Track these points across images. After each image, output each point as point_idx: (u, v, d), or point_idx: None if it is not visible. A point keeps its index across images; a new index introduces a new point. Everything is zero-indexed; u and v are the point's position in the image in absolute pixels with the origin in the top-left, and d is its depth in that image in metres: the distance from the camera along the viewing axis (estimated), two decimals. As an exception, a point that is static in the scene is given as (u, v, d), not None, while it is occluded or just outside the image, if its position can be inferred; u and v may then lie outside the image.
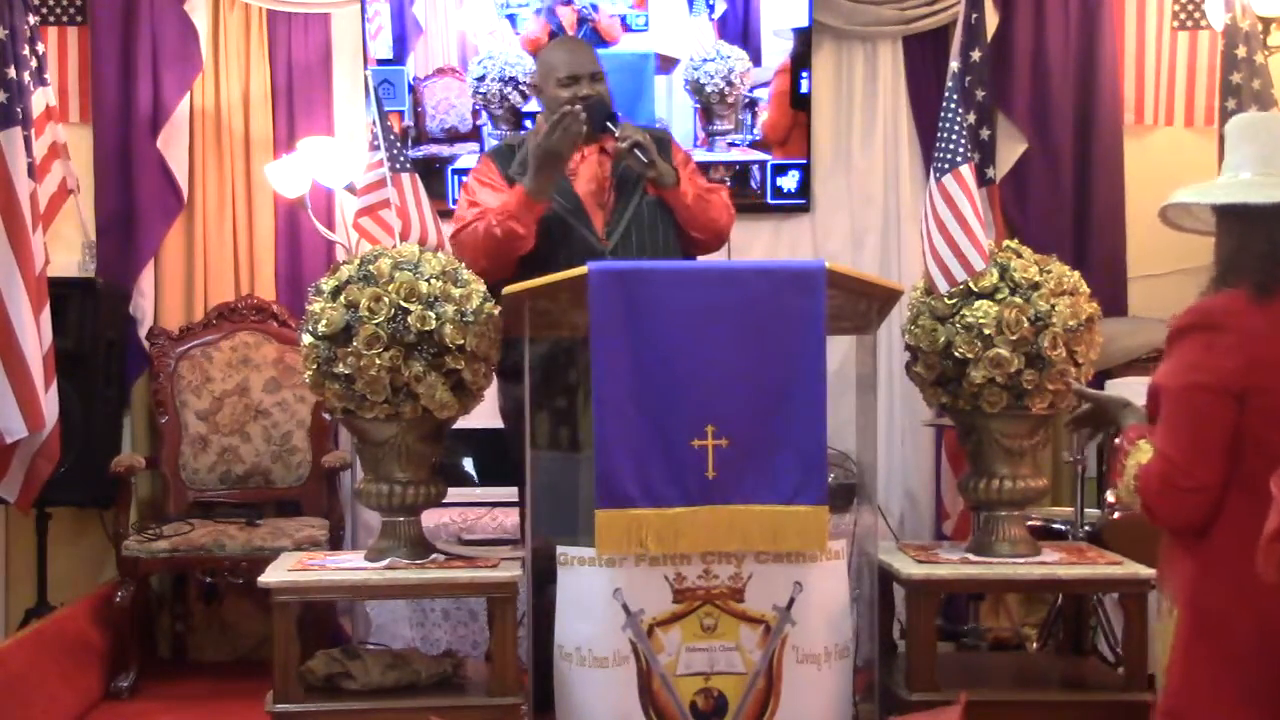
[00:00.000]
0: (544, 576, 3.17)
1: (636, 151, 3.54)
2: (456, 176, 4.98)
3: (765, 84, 5.02)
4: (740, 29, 5.02)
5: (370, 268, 3.23)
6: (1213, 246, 2.45)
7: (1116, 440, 2.48)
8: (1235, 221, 2.34)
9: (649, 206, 3.63)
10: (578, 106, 3.49)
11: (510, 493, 4.48)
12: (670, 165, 3.63)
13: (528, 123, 4.94)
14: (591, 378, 3.02)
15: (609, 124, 3.60)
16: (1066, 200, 5.06)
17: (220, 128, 5.00)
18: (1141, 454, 2.33)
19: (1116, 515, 4.07)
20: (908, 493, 5.08)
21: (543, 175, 3.48)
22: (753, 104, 5.02)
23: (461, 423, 3.47)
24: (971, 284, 3.36)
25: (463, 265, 3.39)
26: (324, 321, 3.19)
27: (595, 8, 4.96)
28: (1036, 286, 3.35)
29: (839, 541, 3.20)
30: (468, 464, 4.72)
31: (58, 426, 4.30)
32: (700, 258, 3.79)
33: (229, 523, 4.56)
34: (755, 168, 5.04)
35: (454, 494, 3.80)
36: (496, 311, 3.28)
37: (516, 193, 3.52)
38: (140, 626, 4.62)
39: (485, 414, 3.75)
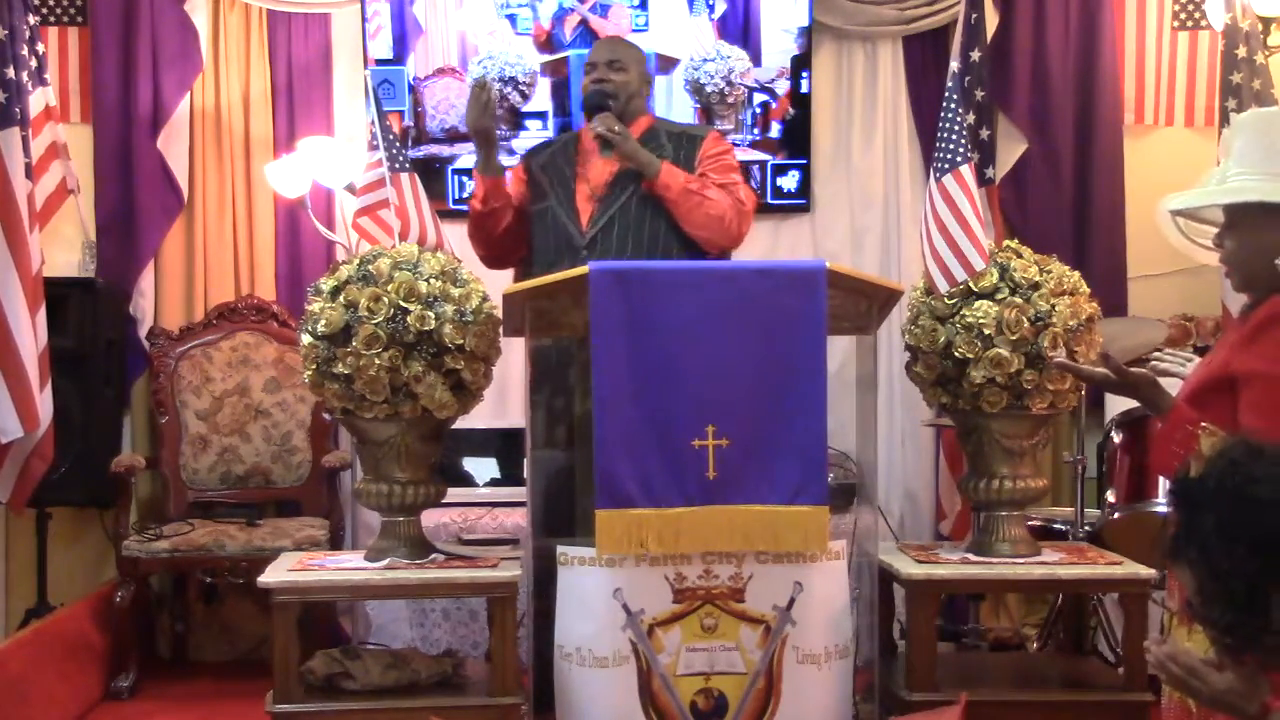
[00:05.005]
0: (544, 576, 3.17)
1: (600, 143, 3.62)
2: (456, 176, 4.98)
3: (786, 80, 5.03)
4: (740, 29, 5.02)
5: (370, 268, 3.24)
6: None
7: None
8: None
9: (640, 202, 3.62)
10: (490, 78, 3.76)
11: (510, 493, 4.50)
12: (656, 158, 3.60)
13: (527, 123, 4.96)
14: (591, 378, 3.02)
15: (595, 115, 3.65)
16: (1066, 200, 5.05)
17: (220, 128, 5.00)
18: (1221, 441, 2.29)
19: (1117, 515, 4.07)
20: (908, 493, 5.08)
21: (480, 150, 3.71)
22: (754, 98, 5.01)
23: (463, 423, 3.47)
24: (971, 284, 3.36)
25: (462, 265, 3.42)
26: (324, 321, 3.19)
27: (596, 9, 4.96)
28: (1036, 286, 3.35)
29: (839, 541, 3.21)
30: (470, 464, 4.72)
31: (52, 427, 4.30)
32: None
33: (229, 523, 4.56)
34: (755, 168, 5.03)
35: (454, 494, 3.80)
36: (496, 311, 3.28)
37: (477, 174, 3.75)
38: (140, 626, 4.62)
39: (487, 414, 3.75)
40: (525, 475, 3.26)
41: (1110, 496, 4.18)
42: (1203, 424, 2.33)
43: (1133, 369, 2.65)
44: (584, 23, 4.96)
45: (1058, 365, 2.98)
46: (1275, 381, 2.24)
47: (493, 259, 3.85)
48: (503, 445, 4.67)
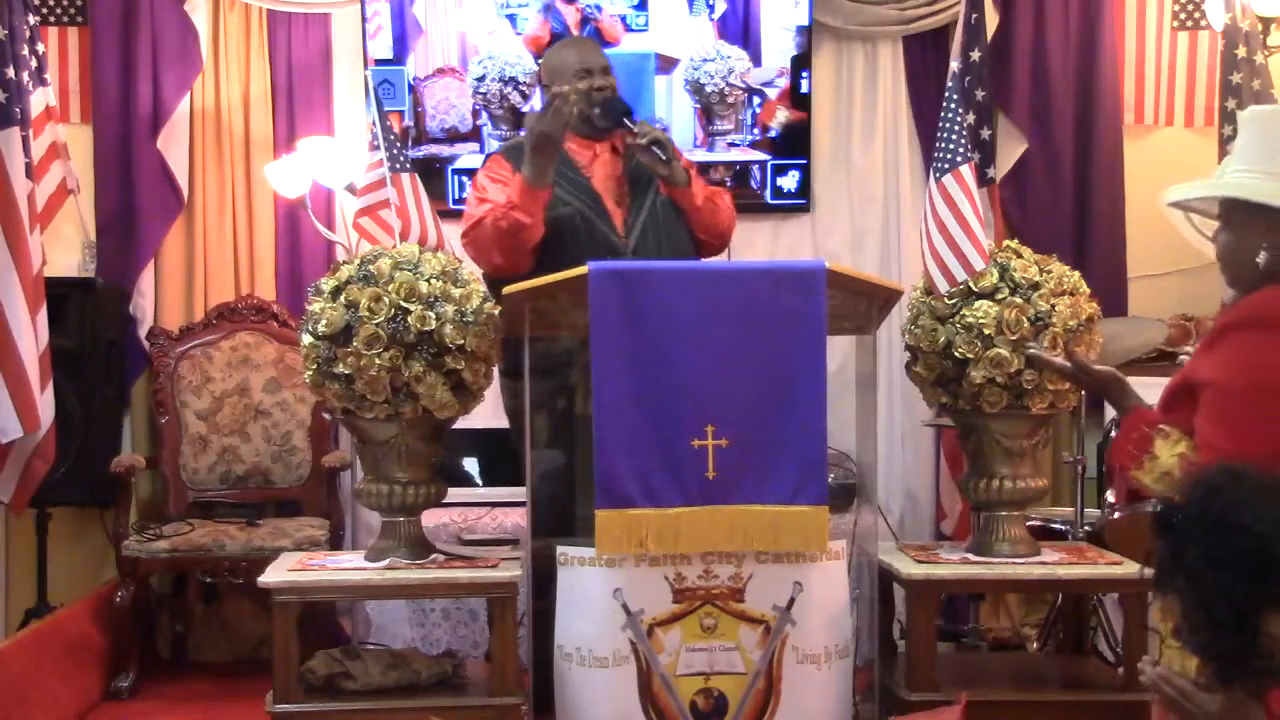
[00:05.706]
0: (544, 576, 3.17)
1: (655, 149, 3.54)
2: (457, 176, 4.98)
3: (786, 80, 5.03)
4: (740, 29, 5.02)
5: (370, 268, 3.24)
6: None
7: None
8: None
9: (662, 206, 3.65)
10: (567, 88, 3.52)
11: (510, 493, 4.50)
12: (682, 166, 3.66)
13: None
14: (591, 378, 3.02)
15: (626, 120, 3.61)
16: (1066, 200, 5.05)
17: (220, 128, 5.00)
18: (1178, 444, 2.29)
19: (1117, 515, 4.07)
20: (908, 493, 5.08)
21: (538, 160, 3.45)
22: (754, 99, 5.01)
23: (463, 423, 3.47)
24: (971, 284, 3.36)
25: (463, 265, 3.41)
26: (324, 321, 3.20)
27: (599, 7, 4.96)
28: (1036, 286, 3.35)
29: (839, 541, 3.21)
30: (470, 464, 4.72)
31: (53, 427, 4.30)
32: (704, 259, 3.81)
33: (229, 523, 4.56)
34: (755, 168, 5.04)
35: (454, 494, 3.80)
36: (496, 311, 3.28)
37: (517, 182, 3.51)
38: (140, 626, 4.61)
39: (487, 414, 3.75)
40: (525, 475, 3.25)
41: (1110, 496, 4.17)
42: (1160, 425, 2.33)
43: (1097, 366, 2.66)
44: (588, 21, 4.96)
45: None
46: (1226, 390, 2.23)
47: (509, 269, 3.49)
48: (503, 445, 4.66)
